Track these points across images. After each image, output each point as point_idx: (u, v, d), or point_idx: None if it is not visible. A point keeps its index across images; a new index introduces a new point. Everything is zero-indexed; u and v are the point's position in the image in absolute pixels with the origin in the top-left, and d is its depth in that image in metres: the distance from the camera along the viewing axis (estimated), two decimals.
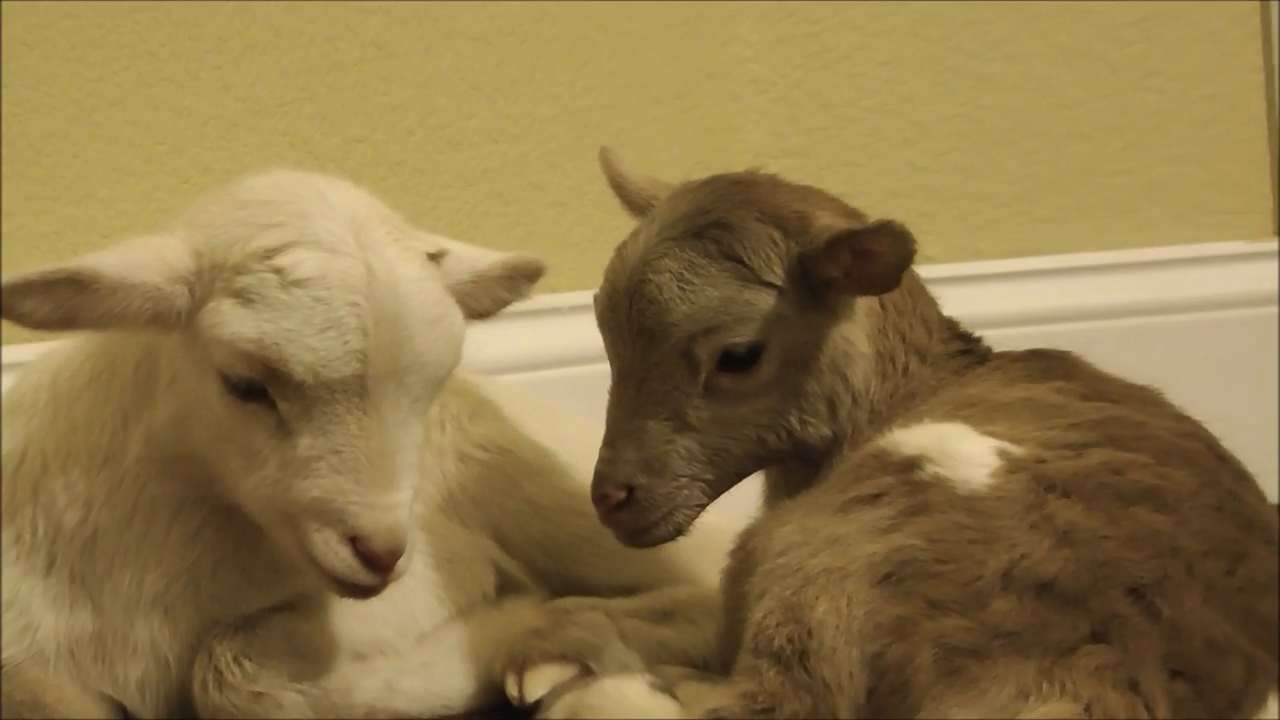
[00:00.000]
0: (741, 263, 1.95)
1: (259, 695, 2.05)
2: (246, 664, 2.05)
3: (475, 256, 2.11)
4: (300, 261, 1.92)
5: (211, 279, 1.95)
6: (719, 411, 1.97)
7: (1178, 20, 3.06)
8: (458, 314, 2.01)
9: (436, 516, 2.29)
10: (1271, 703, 1.71)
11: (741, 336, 1.95)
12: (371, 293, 1.92)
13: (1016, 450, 1.78)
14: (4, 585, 2.07)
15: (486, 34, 2.87)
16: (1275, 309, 3.00)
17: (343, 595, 2.00)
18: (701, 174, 2.08)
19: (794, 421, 2.00)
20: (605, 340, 2.01)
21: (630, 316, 1.96)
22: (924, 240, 3.00)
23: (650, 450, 1.96)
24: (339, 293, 1.91)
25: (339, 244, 1.94)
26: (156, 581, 2.06)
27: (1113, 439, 1.82)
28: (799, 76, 3.01)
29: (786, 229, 1.97)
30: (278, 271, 1.92)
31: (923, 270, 2.94)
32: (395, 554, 1.93)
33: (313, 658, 2.10)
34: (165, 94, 2.70)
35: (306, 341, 1.90)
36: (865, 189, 2.98)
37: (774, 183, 2.05)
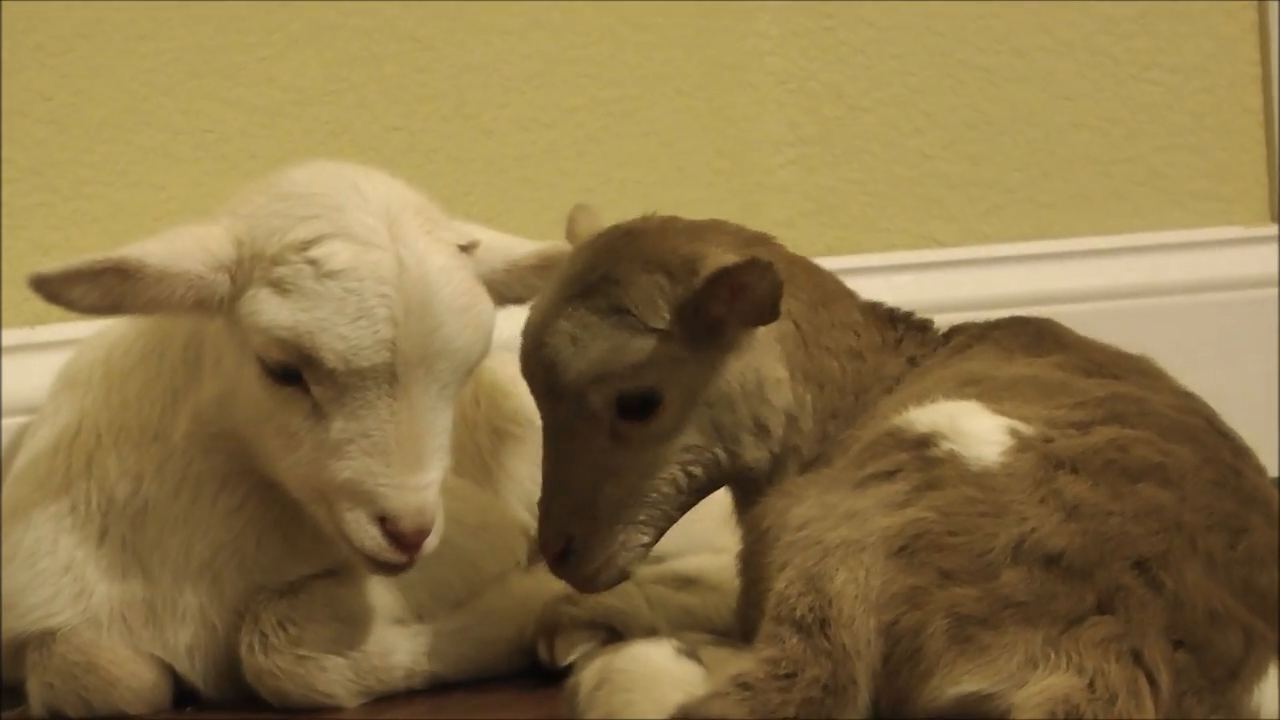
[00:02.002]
0: (629, 313, 1.89)
1: (302, 658, 2.04)
2: (290, 628, 2.04)
3: (509, 245, 2.11)
4: (334, 253, 1.92)
5: (251, 268, 1.95)
6: (634, 457, 1.92)
7: (1177, 15, 3.03)
8: (486, 303, 2.00)
9: (470, 487, 2.27)
10: (1270, 672, 1.69)
11: (633, 383, 1.89)
12: (401, 284, 1.92)
13: (1026, 429, 1.75)
14: (60, 553, 2.07)
15: (517, 28, 2.86)
16: (1270, 291, 2.99)
17: (373, 572, 2.00)
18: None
19: (720, 454, 1.95)
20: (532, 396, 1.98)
21: (536, 377, 1.93)
22: (933, 225, 3.01)
23: (577, 501, 1.91)
24: (370, 284, 1.91)
25: (371, 236, 1.93)
26: (204, 551, 2.05)
27: (1117, 416, 1.79)
28: (815, 69, 2.99)
29: (673, 274, 1.90)
30: (312, 263, 1.92)
31: (931, 254, 2.95)
32: (422, 533, 1.93)
33: (353, 622, 2.08)
34: (213, 85, 2.69)
35: (338, 330, 1.90)
36: (878, 176, 2.96)
37: (665, 228, 1.97)
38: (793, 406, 1.97)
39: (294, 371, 1.93)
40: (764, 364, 1.96)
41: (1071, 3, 3.03)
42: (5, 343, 2.51)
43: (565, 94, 2.90)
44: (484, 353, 2.01)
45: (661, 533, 1.97)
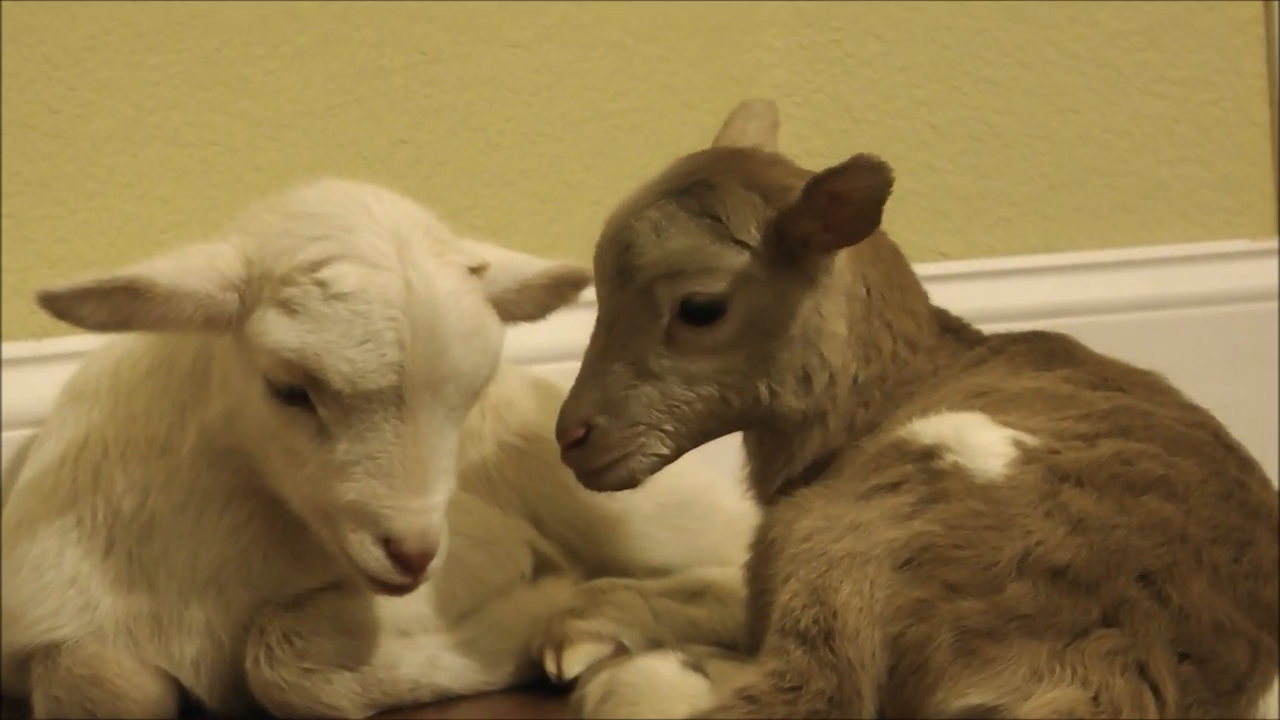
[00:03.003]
0: (718, 220, 1.91)
1: (308, 671, 2.04)
2: (296, 641, 2.04)
3: (521, 264, 2.10)
4: (342, 275, 1.91)
5: (260, 287, 1.94)
6: (680, 363, 1.92)
7: (1183, 28, 3.04)
8: (494, 327, 2.00)
9: (475, 500, 2.27)
10: (1275, 684, 1.69)
11: (704, 287, 1.91)
12: (409, 307, 1.91)
13: (1031, 441, 1.76)
14: (65, 565, 2.07)
15: (524, 40, 2.86)
16: (1275, 304, 2.99)
17: (376, 592, 2.00)
18: None
19: (761, 388, 1.95)
20: (595, 286, 1.99)
21: (608, 260, 1.94)
22: (939, 238, 3.01)
23: (611, 392, 1.92)
24: (378, 307, 1.91)
25: (380, 259, 1.93)
26: (210, 564, 2.05)
27: (1123, 429, 1.80)
28: (821, 82, 2.99)
29: (768, 197, 1.92)
30: (321, 284, 1.91)
31: (938, 267, 2.95)
32: (426, 556, 1.93)
33: (359, 634, 2.08)
34: (220, 97, 2.68)
35: (345, 353, 1.89)
36: None
37: (775, 159, 2.00)
38: (838, 368, 1.97)
39: (300, 392, 1.92)
40: (828, 314, 1.96)
41: (1078, 16, 3.03)
42: (10, 355, 2.51)
43: (572, 107, 2.90)
44: (491, 376, 2.00)
45: (680, 451, 1.96)
